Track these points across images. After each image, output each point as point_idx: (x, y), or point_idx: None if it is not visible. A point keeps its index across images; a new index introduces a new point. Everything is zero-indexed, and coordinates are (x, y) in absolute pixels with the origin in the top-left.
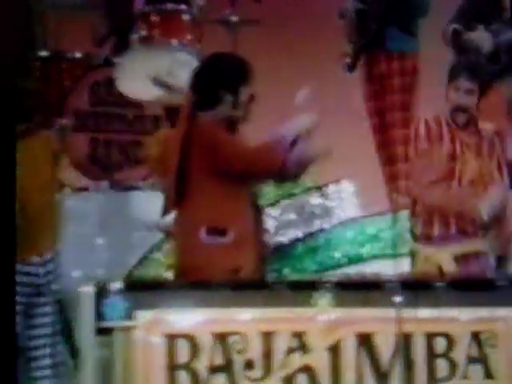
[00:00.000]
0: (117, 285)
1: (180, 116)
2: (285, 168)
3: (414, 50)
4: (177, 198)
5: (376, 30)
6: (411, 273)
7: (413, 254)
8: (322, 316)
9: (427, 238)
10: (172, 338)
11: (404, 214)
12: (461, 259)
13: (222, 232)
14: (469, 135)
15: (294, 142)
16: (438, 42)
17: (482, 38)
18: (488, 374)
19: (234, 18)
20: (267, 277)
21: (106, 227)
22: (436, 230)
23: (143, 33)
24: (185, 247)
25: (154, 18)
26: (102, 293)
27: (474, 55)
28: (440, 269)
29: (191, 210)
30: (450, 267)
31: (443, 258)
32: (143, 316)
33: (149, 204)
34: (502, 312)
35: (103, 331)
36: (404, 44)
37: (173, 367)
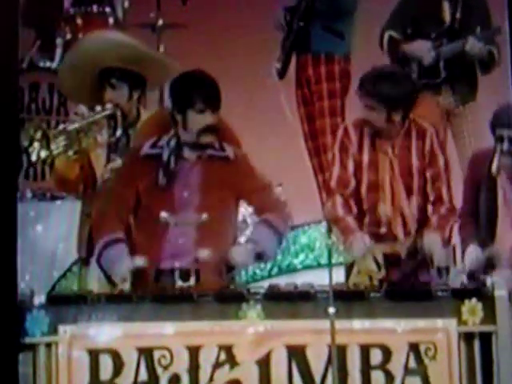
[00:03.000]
0: (40, 299)
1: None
2: None
3: (343, 52)
4: None
5: (300, 30)
6: (345, 283)
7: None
8: (251, 328)
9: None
10: (95, 353)
11: None
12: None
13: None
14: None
15: None
16: (371, 44)
17: (422, 49)
18: None
19: (160, 22)
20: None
21: (27, 239)
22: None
23: (68, 36)
24: None
25: (78, 21)
26: (24, 307)
27: (411, 64)
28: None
29: None
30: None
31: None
32: (66, 331)
33: (72, 214)
34: (441, 323)
35: (26, 347)
36: (331, 46)
37: (96, 383)
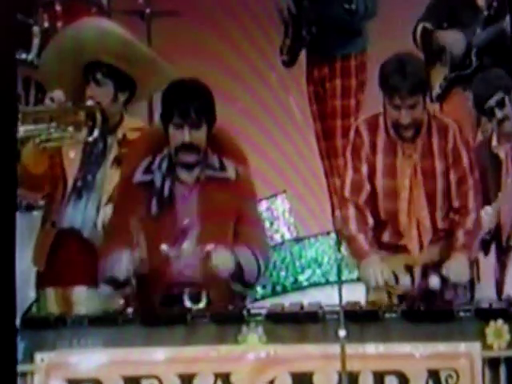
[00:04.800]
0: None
1: None
2: None
3: (360, 49)
4: None
5: (313, 37)
6: (357, 302)
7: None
8: (252, 354)
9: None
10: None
11: None
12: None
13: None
14: (416, 148)
15: None
16: (387, 42)
17: (454, 38)
18: None
19: (148, 9)
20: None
21: None
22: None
23: (46, 24)
24: None
25: (57, 8)
26: None
27: (443, 56)
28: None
29: None
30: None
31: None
32: (43, 358)
33: None
34: (464, 347)
35: None
36: (347, 47)
37: None
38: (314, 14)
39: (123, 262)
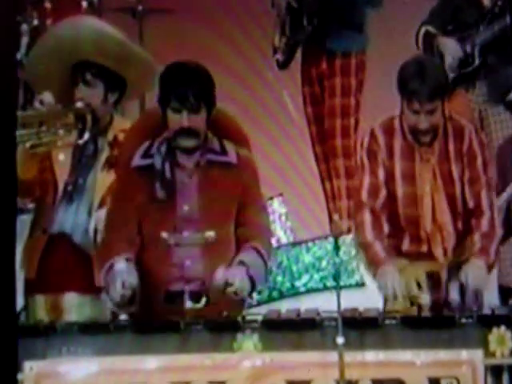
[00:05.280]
0: None
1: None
2: None
3: (361, 47)
4: None
5: (312, 28)
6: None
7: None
8: (248, 362)
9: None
10: None
11: (348, 238)
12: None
13: None
14: (433, 153)
15: None
16: (388, 39)
17: (450, 45)
18: None
19: (140, 7)
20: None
21: None
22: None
23: (35, 22)
24: None
25: (46, 5)
26: None
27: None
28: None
29: None
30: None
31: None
32: (32, 367)
33: None
34: (466, 354)
35: None
36: (348, 43)
37: None
38: (316, 4)
39: (119, 288)
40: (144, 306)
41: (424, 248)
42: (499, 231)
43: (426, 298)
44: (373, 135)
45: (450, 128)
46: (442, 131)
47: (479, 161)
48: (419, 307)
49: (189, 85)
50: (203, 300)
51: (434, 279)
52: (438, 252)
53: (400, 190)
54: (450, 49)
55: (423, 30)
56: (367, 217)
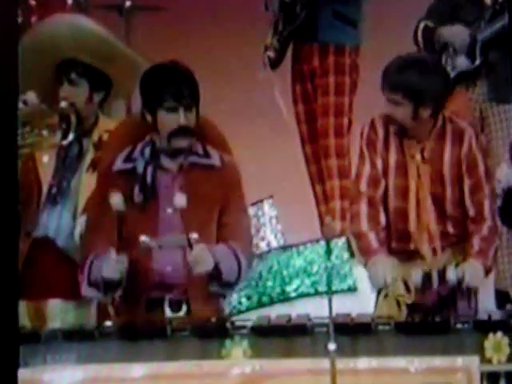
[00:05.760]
0: None
1: None
2: None
3: (354, 43)
4: None
5: (305, 17)
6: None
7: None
8: (236, 369)
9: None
10: None
11: (340, 241)
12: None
13: None
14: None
15: None
16: (384, 38)
17: (456, 31)
18: None
19: (127, 4)
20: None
21: None
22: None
23: (19, 19)
24: None
25: (31, 2)
26: None
27: (445, 54)
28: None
29: None
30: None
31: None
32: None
33: None
34: (461, 361)
35: None
36: (341, 35)
37: None
38: None
39: (112, 262)
40: (126, 313)
41: (411, 246)
42: (498, 240)
43: (411, 298)
44: (373, 125)
45: (448, 129)
46: (436, 131)
47: (481, 168)
48: (410, 310)
49: (182, 82)
50: (184, 309)
51: (423, 279)
52: (425, 251)
53: (392, 182)
54: (455, 34)
55: (422, 25)
56: (364, 207)
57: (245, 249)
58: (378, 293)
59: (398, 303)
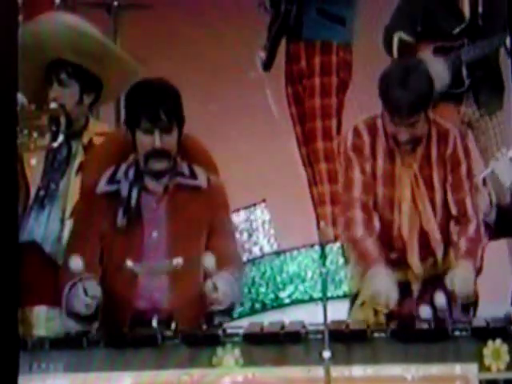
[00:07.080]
0: None
1: None
2: None
3: (343, 40)
4: None
5: (289, 13)
6: (344, 320)
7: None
8: (228, 378)
9: None
10: None
11: (335, 246)
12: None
13: None
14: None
15: None
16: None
17: (437, 68)
18: None
19: (116, 2)
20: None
21: None
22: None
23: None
24: None
25: (18, 0)
26: None
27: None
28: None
29: None
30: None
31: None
32: None
33: None
34: (459, 369)
35: None
36: (328, 32)
37: None
38: None
39: (82, 298)
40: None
41: (394, 255)
42: (484, 239)
43: (390, 309)
44: (356, 132)
45: (433, 132)
46: (425, 136)
47: (463, 167)
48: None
49: (159, 102)
50: (173, 325)
51: (404, 290)
52: (414, 261)
53: (380, 191)
54: (437, 72)
55: (396, 39)
56: (358, 212)
57: (235, 274)
58: (354, 297)
59: (376, 312)
